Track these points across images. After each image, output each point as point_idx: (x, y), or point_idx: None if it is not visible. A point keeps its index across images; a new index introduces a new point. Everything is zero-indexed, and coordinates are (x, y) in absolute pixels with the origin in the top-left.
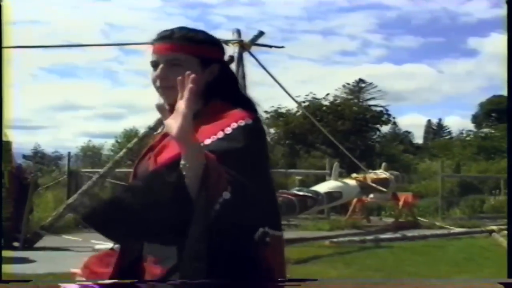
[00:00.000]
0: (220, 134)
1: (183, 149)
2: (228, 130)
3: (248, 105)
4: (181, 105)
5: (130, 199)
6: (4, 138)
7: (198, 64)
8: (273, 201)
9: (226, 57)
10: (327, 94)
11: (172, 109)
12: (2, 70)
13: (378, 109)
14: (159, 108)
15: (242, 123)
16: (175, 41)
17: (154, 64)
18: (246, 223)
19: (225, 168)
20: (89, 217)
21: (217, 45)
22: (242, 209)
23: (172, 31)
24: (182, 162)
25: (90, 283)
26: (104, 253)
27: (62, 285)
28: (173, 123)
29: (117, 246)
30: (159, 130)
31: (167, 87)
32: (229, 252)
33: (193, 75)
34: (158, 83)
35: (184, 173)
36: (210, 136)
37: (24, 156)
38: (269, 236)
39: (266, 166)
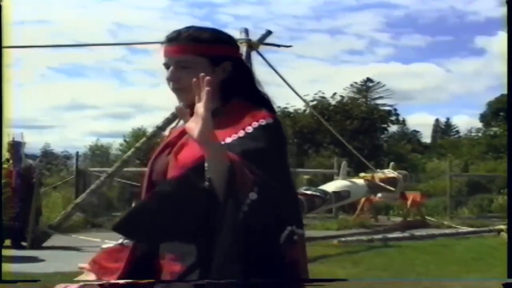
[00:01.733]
0: (241, 133)
1: (206, 152)
2: (250, 129)
3: (267, 103)
4: (199, 108)
5: (159, 204)
6: (16, 139)
7: (208, 63)
8: (295, 199)
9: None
10: (335, 94)
11: (190, 110)
12: (2, 70)
13: (386, 108)
14: (179, 111)
15: (263, 122)
16: (182, 42)
17: (166, 66)
18: (274, 222)
19: (250, 167)
20: (120, 226)
21: (227, 42)
22: (269, 209)
23: (179, 32)
24: (206, 164)
25: (104, 281)
26: (113, 248)
27: (62, 285)
28: (194, 127)
29: (126, 241)
30: (174, 124)
31: (179, 89)
32: (259, 252)
33: (208, 78)
34: (170, 85)
35: (209, 176)
36: (231, 135)
37: (27, 156)
38: (296, 234)
39: (287, 164)
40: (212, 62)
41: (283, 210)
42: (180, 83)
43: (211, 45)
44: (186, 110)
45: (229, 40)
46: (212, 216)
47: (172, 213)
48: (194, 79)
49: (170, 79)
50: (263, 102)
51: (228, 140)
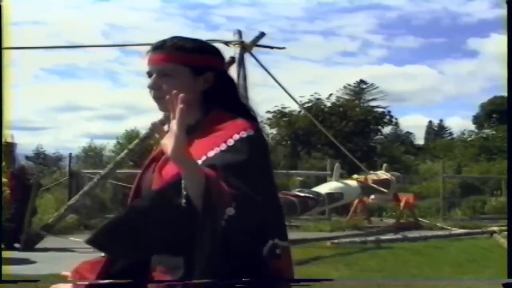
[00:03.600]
0: (223, 146)
1: (181, 169)
2: (231, 142)
3: (249, 114)
4: (173, 125)
5: (135, 219)
6: (8, 140)
7: (190, 73)
8: (279, 212)
9: (225, 62)
10: (330, 95)
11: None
12: (3, 71)
13: (380, 110)
14: (155, 128)
15: (244, 134)
16: (165, 51)
17: (149, 75)
18: (255, 237)
19: (230, 181)
20: (95, 240)
21: (210, 53)
22: (248, 224)
23: (164, 41)
24: (183, 181)
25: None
26: (95, 260)
27: (54, 286)
28: (168, 144)
29: None
30: (166, 127)
31: (160, 97)
32: (239, 267)
33: (181, 95)
34: (152, 94)
35: (186, 192)
36: (213, 148)
37: (27, 157)
38: (279, 247)
39: (270, 176)
40: (194, 72)
41: (265, 224)
42: (161, 91)
43: (193, 54)
44: (161, 126)
45: (213, 51)
46: (192, 232)
47: (148, 228)
48: (168, 96)
49: (151, 87)
50: (245, 112)
51: (210, 153)
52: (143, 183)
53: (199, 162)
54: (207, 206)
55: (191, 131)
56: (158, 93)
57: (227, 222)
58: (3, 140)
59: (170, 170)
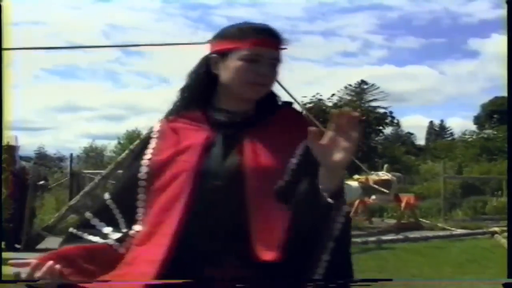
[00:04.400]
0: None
1: (333, 174)
2: None
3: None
4: (345, 149)
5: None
6: (11, 143)
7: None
8: None
9: None
10: (333, 95)
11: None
12: (3, 71)
13: (381, 110)
14: (313, 133)
15: None
16: (278, 37)
17: (253, 59)
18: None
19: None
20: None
21: None
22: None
23: (267, 26)
24: (320, 180)
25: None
26: (94, 247)
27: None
28: (334, 154)
29: (117, 244)
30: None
31: (264, 84)
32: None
33: (356, 113)
34: (256, 79)
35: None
36: (298, 147)
37: (21, 157)
38: None
39: None
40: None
41: None
42: (268, 79)
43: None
44: (320, 133)
45: None
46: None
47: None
48: (334, 110)
49: (261, 74)
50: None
51: (298, 150)
52: (212, 171)
53: (293, 160)
54: (337, 205)
55: (263, 125)
56: (266, 80)
57: (344, 217)
58: (6, 142)
59: (268, 162)
